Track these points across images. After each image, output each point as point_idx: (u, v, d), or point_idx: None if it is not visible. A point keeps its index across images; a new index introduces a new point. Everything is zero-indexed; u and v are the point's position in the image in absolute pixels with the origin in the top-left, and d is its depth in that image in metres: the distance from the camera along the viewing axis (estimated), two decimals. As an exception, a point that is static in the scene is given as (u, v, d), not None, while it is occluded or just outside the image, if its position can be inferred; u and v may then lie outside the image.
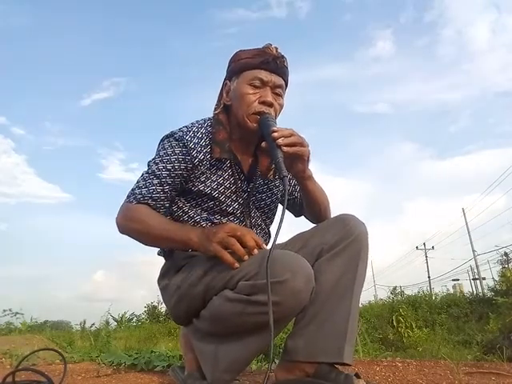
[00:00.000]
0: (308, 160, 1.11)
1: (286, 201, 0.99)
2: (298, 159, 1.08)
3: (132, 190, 1.14)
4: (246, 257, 0.96)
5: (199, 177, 1.15)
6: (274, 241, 0.95)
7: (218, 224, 1.16)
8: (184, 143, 1.13)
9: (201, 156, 1.14)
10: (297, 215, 1.40)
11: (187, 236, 1.03)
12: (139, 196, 1.12)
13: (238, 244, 0.97)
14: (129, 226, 1.11)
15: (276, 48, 1.15)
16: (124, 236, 1.12)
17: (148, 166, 1.18)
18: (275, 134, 1.03)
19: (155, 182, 1.12)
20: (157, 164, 1.14)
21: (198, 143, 1.14)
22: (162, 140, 1.18)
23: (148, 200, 1.12)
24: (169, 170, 1.12)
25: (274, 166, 1.09)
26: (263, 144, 1.07)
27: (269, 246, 1.29)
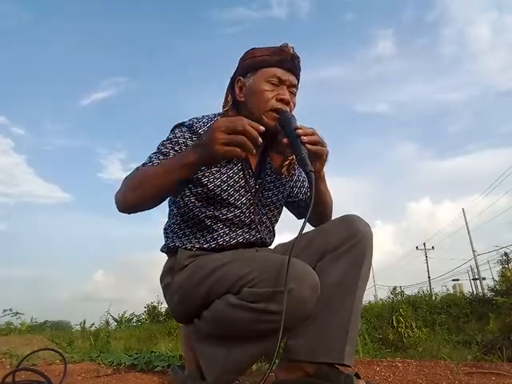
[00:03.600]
0: (326, 160, 1.11)
1: (312, 197, 0.96)
2: (317, 158, 1.07)
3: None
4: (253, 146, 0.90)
5: (209, 167, 1.14)
6: (291, 249, 0.92)
7: (223, 220, 1.15)
8: (194, 130, 1.14)
9: None
10: (299, 217, 1.39)
11: (183, 159, 0.97)
12: (140, 166, 1.10)
13: (241, 136, 0.89)
14: (124, 192, 1.05)
15: (292, 47, 1.16)
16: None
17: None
18: (300, 131, 1.03)
19: (161, 157, 1.11)
20: (164, 145, 1.14)
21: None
22: (172, 129, 1.19)
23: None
24: (176, 151, 1.11)
25: (297, 161, 1.07)
26: (285, 140, 1.06)
27: (273, 246, 1.31)
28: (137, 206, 1.07)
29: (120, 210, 1.07)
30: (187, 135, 1.14)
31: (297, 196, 1.35)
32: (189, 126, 1.15)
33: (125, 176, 1.09)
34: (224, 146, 0.89)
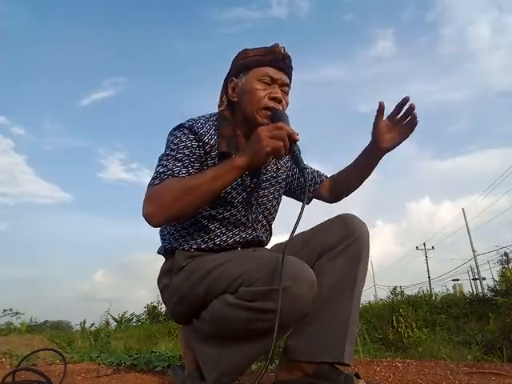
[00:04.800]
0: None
1: (306, 194, 0.99)
2: (406, 135, 1.19)
3: (152, 179, 1.08)
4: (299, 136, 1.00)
5: (211, 166, 1.13)
6: (286, 246, 0.93)
7: (220, 219, 1.16)
8: (195, 131, 1.14)
9: (212, 142, 1.14)
10: (308, 202, 1.40)
11: (231, 164, 0.99)
12: (163, 175, 1.06)
13: (282, 131, 0.97)
14: (162, 203, 0.99)
15: (284, 47, 1.17)
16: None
17: (160, 159, 1.13)
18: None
19: (178, 164, 1.08)
20: (174, 150, 1.11)
21: (207, 132, 1.15)
22: (172, 132, 1.18)
23: (172, 174, 1.06)
24: (187, 155, 1.10)
25: (291, 158, 1.07)
26: None
27: (270, 245, 1.31)
28: (176, 217, 1.05)
29: (155, 223, 1.02)
30: (191, 137, 1.13)
31: (300, 184, 1.38)
32: (189, 128, 1.15)
33: (148, 188, 1.06)
34: (270, 139, 0.95)
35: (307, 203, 1.37)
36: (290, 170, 1.37)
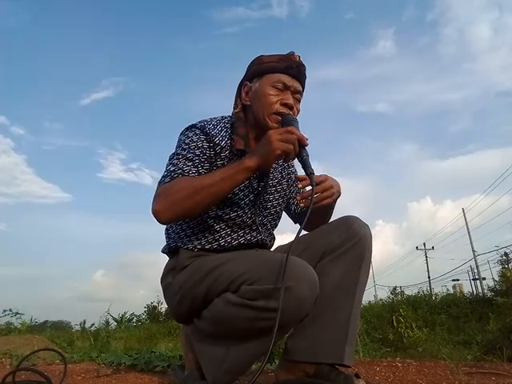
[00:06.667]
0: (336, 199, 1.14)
1: (312, 198, 0.98)
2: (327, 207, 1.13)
3: (162, 177, 1.09)
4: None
5: (220, 167, 1.13)
6: (291, 246, 0.94)
7: (226, 220, 1.16)
8: (206, 131, 1.15)
9: (223, 143, 1.15)
10: (295, 221, 1.40)
11: (241, 165, 0.99)
12: (173, 174, 1.07)
13: (293, 135, 0.99)
14: (172, 201, 1.00)
15: (299, 56, 1.19)
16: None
17: (171, 158, 1.13)
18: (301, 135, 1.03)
19: (188, 163, 1.09)
20: (185, 150, 1.12)
21: (219, 133, 1.16)
22: (184, 132, 1.18)
23: (182, 174, 1.07)
24: (198, 155, 1.11)
25: (299, 162, 1.07)
26: None
27: (273, 248, 1.31)
28: (185, 215, 1.06)
29: (163, 220, 1.03)
30: (202, 137, 1.14)
31: (298, 205, 1.36)
32: (201, 128, 1.15)
33: (158, 185, 1.07)
34: (280, 142, 0.97)
35: (296, 222, 1.38)
36: (292, 186, 1.35)
